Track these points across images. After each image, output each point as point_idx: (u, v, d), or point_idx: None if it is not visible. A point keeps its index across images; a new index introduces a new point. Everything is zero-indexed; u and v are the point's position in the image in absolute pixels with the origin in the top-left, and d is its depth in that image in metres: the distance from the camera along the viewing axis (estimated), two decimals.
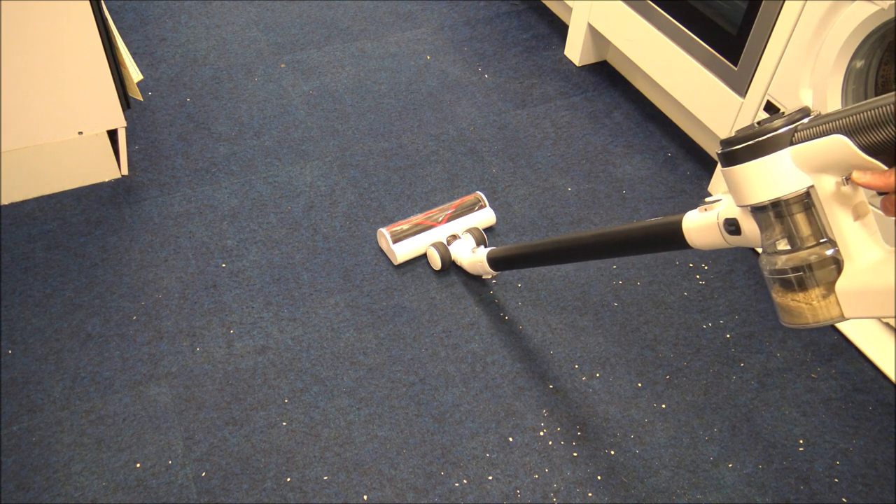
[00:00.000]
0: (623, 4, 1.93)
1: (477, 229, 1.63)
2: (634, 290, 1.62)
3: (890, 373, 1.47)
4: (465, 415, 1.39)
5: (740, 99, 1.65)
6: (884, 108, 0.64)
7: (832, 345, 1.53)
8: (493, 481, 1.30)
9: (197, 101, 2.00)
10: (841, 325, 1.55)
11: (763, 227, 0.77)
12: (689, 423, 1.40)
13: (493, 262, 1.45)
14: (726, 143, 0.75)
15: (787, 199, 0.73)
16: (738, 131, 0.75)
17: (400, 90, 2.08)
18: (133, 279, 1.57)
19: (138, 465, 1.28)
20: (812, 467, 1.34)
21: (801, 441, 1.38)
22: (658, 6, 1.82)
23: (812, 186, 0.72)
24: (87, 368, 1.41)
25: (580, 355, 1.49)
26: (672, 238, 0.95)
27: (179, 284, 1.57)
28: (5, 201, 1.70)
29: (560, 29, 2.33)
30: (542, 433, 1.37)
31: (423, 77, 2.13)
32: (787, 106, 1.53)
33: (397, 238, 1.61)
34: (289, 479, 1.28)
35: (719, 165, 0.77)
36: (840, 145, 0.67)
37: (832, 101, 1.43)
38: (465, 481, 1.29)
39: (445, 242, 1.63)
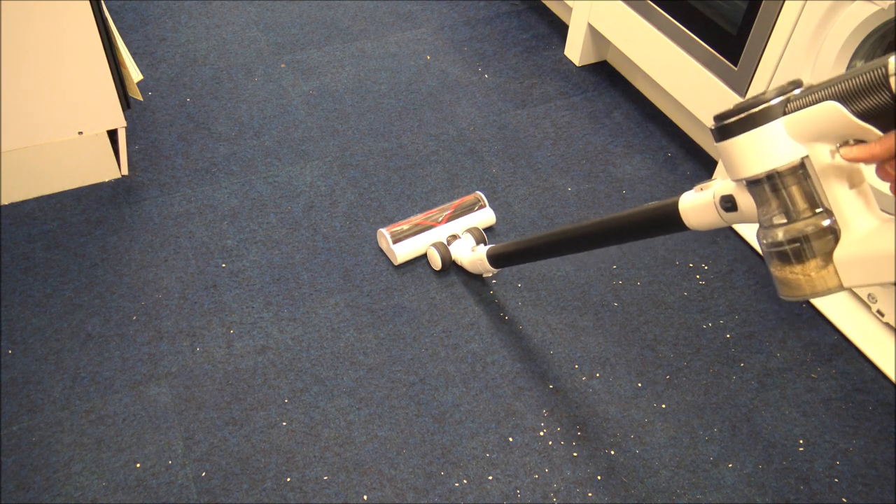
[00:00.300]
0: (623, 4, 1.93)
1: (477, 229, 1.63)
2: (634, 290, 1.62)
3: (890, 373, 1.47)
4: (465, 415, 1.39)
5: (740, 99, 1.65)
6: (876, 72, 0.64)
7: (832, 345, 1.53)
8: (493, 481, 1.30)
9: (197, 101, 2.00)
10: (841, 325, 1.55)
11: (759, 201, 0.76)
12: (689, 423, 1.40)
13: (493, 258, 1.45)
14: (719, 117, 0.75)
15: (782, 171, 0.73)
16: (732, 107, 0.75)
17: (400, 90, 2.08)
18: (133, 279, 1.57)
19: (138, 465, 1.28)
20: (812, 467, 1.34)
21: (801, 441, 1.38)
22: (658, 6, 1.82)
23: (807, 156, 0.71)
24: (87, 368, 1.41)
25: (580, 355, 1.49)
26: (669, 220, 0.94)
27: (179, 284, 1.57)
28: (5, 201, 1.70)
29: (560, 29, 2.33)
30: (542, 433, 1.37)
31: (423, 77, 2.13)
32: None
33: (397, 238, 1.61)
34: (289, 479, 1.28)
35: (714, 143, 0.78)
36: (834, 112, 0.67)
37: None
38: (465, 481, 1.29)
39: (445, 242, 1.63)
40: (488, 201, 1.74)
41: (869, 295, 1.51)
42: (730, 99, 1.68)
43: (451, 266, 1.63)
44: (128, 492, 1.25)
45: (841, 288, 0.71)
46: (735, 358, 1.50)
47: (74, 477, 1.26)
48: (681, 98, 1.85)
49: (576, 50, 2.19)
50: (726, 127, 0.74)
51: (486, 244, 1.60)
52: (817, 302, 1.59)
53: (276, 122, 1.95)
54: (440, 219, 1.67)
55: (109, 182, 1.77)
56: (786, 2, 1.48)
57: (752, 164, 0.74)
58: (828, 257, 0.71)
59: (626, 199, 1.81)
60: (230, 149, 1.87)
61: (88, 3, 1.48)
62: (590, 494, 1.29)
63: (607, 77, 2.17)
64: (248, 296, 1.55)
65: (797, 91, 0.71)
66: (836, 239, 0.71)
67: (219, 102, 2.00)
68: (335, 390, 1.41)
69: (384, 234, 1.62)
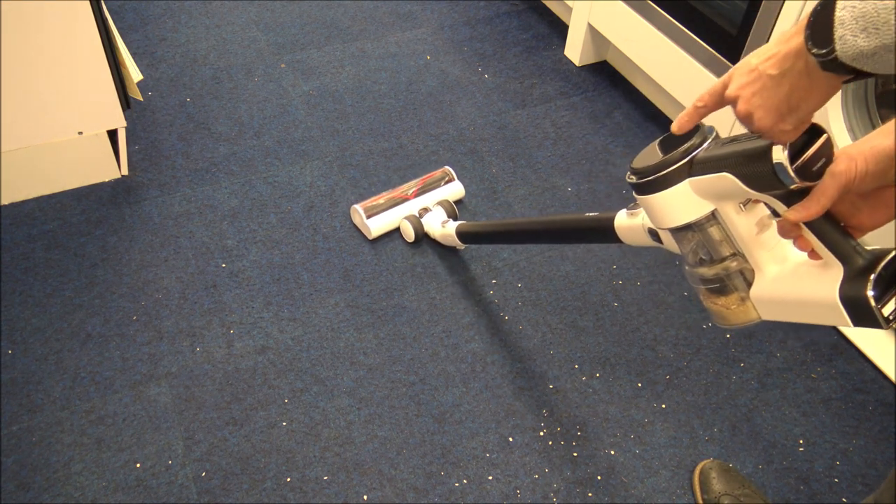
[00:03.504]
0: (623, 4, 1.93)
1: (448, 202, 1.70)
2: (634, 290, 1.62)
3: (890, 373, 1.47)
4: (465, 415, 1.39)
5: None
6: (758, 149, 0.67)
7: (832, 345, 1.53)
8: (493, 481, 1.30)
9: (197, 101, 2.00)
10: (841, 326, 1.55)
11: (678, 241, 0.82)
12: (689, 423, 1.40)
13: (462, 235, 1.52)
14: (636, 172, 0.79)
15: (693, 224, 0.78)
16: (644, 165, 0.79)
17: (400, 90, 2.08)
18: (133, 279, 1.57)
19: (138, 465, 1.28)
20: (812, 467, 1.34)
21: (801, 441, 1.38)
22: (658, 6, 1.82)
23: (715, 209, 0.76)
24: (87, 368, 1.41)
25: (580, 355, 1.49)
26: (607, 233, 1.02)
27: (179, 284, 1.57)
28: (5, 201, 1.70)
29: (560, 29, 2.33)
30: (542, 433, 1.37)
31: (423, 77, 2.13)
32: None
33: (371, 213, 1.67)
34: (289, 479, 1.28)
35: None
36: (729, 182, 0.71)
37: (832, 101, 1.43)
38: (465, 481, 1.29)
39: (417, 215, 1.68)
40: (488, 200, 1.74)
41: None
42: None
43: (423, 238, 1.67)
44: (128, 492, 1.25)
45: (760, 319, 0.77)
46: (735, 358, 1.50)
47: (74, 477, 1.26)
48: (681, 98, 1.85)
49: (576, 50, 2.19)
50: (639, 187, 0.79)
51: (456, 219, 1.66)
52: None
53: (276, 122, 1.95)
54: (410, 192, 1.73)
55: (109, 182, 1.77)
56: (786, 2, 1.48)
57: (667, 219, 0.79)
58: (745, 293, 0.77)
59: (627, 199, 1.81)
60: (230, 149, 1.87)
61: (88, 3, 1.48)
62: (590, 494, 1.29)
63: (607, 77, 2.17)
64: (248, 296, 1.55)
65: (706, 144, 0.75)
66: (750, 278, 0.77)
67: (219, 102, 2.00)
68: (335, 390, 1.41)
69: (357, 210, 1.66)
